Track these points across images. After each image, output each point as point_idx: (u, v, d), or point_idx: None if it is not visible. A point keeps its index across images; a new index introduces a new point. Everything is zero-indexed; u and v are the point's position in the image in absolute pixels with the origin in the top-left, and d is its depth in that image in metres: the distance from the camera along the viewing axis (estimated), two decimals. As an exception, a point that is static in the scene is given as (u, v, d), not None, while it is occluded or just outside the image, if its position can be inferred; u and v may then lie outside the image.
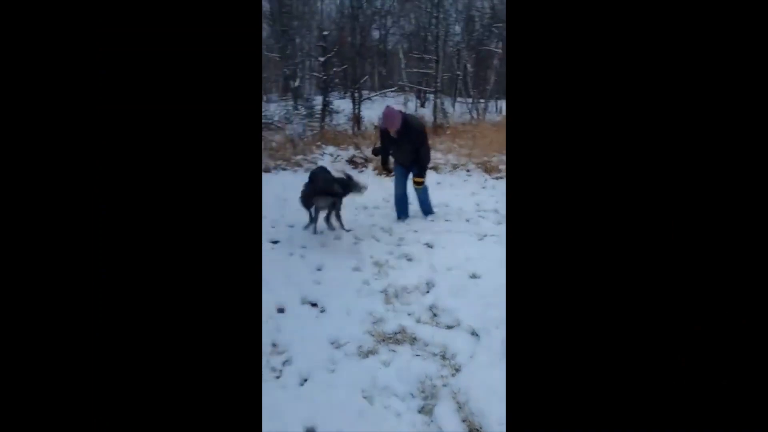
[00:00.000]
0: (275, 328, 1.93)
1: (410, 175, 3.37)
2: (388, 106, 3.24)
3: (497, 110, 11.46)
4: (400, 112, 3.22)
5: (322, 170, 3.36)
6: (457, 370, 1.68)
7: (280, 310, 2.11)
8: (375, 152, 3.58)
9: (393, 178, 3.50)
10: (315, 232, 3.14)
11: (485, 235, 3.11)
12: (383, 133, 3.29)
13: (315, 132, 7.32)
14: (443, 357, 1.78)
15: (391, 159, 3.44)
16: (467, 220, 3.49)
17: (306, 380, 1.63)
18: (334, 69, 9.39)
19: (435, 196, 4.11)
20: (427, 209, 3.55)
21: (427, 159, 3.31)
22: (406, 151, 3.24)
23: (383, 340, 1.88)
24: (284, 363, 1.72)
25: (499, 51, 10.20)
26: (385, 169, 3.56)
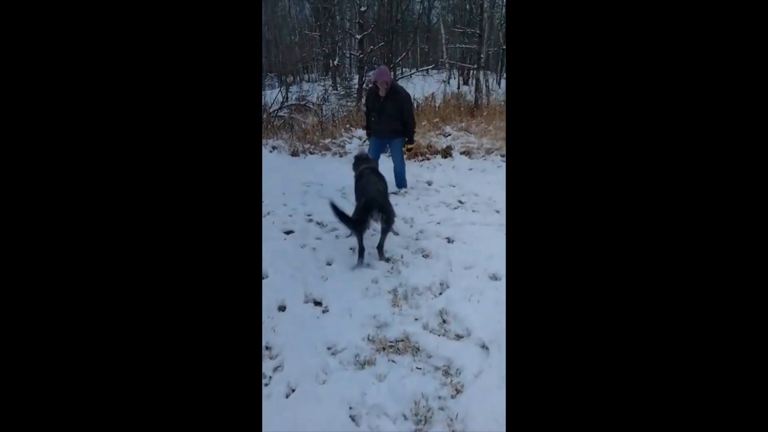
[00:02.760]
0: (271, 329, 1.85)
1: (388, 149, 3.67)
2: (382, 66, 3.52)
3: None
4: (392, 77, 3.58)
5: (373, 172, 2.74)
6: (458, 391, 1.51)
7: (281, 308, 2.03)
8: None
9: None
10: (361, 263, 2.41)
11: (514, 230, 2.83)
12: (371, 95, 3.53)
13: (349, 112, 7.16)
14: (446, 373, 1.61)
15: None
16: (497, 211, 3.21)
17: (293, 390, 1.53)
18: (372, 47, 9.08)
19: (465, 185, 3.86)
20: (401, 182, 3.70)
21: (414, 124, 3.55)
22: (390, 117, 3.40)
23: (383, 349, 1.74)
24: (275, 369, 1.64)
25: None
26: (368, 132, 3.74)
